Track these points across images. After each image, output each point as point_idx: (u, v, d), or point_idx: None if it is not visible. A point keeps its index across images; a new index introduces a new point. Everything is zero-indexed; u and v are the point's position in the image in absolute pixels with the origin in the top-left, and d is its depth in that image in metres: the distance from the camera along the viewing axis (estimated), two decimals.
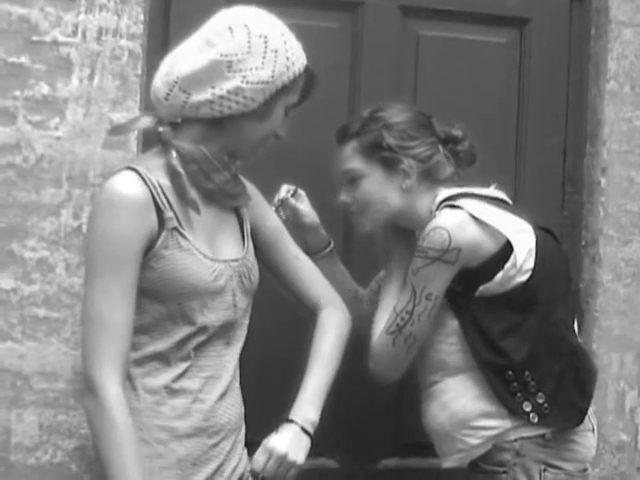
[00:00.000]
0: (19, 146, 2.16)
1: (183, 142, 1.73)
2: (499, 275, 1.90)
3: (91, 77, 2.19)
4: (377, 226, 2.09)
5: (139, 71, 2.20)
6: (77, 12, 2.19)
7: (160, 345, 1.69)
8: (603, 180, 2.49)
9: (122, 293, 1.62)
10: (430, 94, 2.45)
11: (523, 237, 1.94)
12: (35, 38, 2.17)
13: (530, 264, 1.92)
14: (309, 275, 1.95)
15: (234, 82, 1.69)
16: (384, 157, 2.02)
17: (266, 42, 1.71)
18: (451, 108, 2.41)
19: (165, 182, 1.71)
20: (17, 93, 2.17)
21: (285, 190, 2.13)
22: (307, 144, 2.30)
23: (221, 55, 1.70)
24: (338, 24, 2.43)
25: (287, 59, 1.73)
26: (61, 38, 2.19)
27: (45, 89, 2.18)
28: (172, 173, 1.71)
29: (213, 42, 1.71)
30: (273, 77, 1.71)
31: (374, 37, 2.43)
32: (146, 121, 1.76)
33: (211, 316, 1.72)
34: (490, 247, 1.91)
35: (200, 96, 1.70)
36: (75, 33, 2.19)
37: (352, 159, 2.05)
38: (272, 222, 1.95)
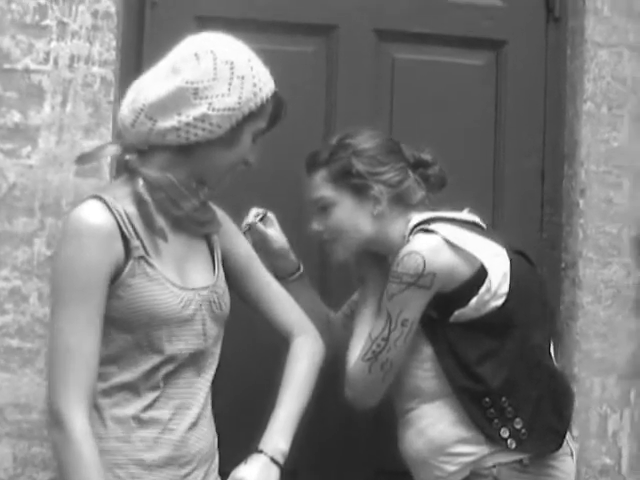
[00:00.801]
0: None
1: (150, 170, 1.71)
2: (474, 300, 1.89)
3: (63, 104, 2.18)
4: (350, 253, 2.08)
5: (111, 98, 2.19)
6: (49, 39, 2.19)
7: (128, 375, 1.67)
8: (582, 202, 2.47)
9: (88, 322, 1.60)
10: (407, 117, 2.44)
11: (497, 261, 1.93)
12: (6, 66, 2.17)
13: (505, 288, 1.91)
14: (282, 302, 1.93)
15: (200, 109, 1.68)
16: (354, 184, 2.02)
17: (232, 68, 1.70)
18: (428, 131, 2.42)
19: (132, 210, 1.69)
20: None
21: (254, 214, 2.12)
22: (282, 169, 2.30)
23: (187, 82, 1.69)
24: (312, 48, 2.43)
25: (254, 85, 1.72)
26: (33, 66, 2.18)
27: (17, 117, 2.17)
28: (139, 201, 1.69)
29: (179, 69, 1.70)
30: (240, 103, 1.70)
31: (349, 61, 2.43)
32: (112, 149, 1.75)
33: (180, 345, 1.70)
34: (465, 271, 1.90)
35: (166, 123, 1.69)
36: (47, 60, 2.18)
37: (322, 187, 2.05)
38: (244, 249, 1.93)
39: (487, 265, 1.90)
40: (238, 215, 2.09)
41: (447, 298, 1.91)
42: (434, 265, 1.88)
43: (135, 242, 1.66)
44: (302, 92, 2.38)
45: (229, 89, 1.69)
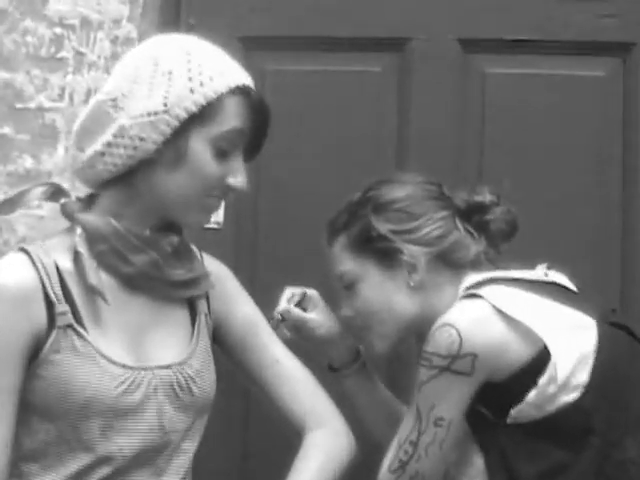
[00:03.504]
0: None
1: (91, 215, 1.36)
2: (532, 393, 1.36)
3: None
4: (391, 343, 1.56)
5: None
6: (64, 73, 1.92)
7: (51, 477, 1.30)
8: None
9: None
10: (501, 142, 1.96)
11: (575, 338, 1.38)
12: (19, 105, 1.92)
13: (583, 377, 1.37)
14: (293, 385, 1.49)
15: (118, 122, 1.31)
16: (378, 249, 1.53)
17: (156, 64, 1.33)
18: (527, 160, 1.93)
19: (68, 266, 1.35)
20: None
21: (287, 297, 1.65)
22: None
23: (104, 94, 1.34)
24: (380, 66, 2.01)
25: (189, 79, 1.32)
26: (46, 103, 1.91)
27: (28, 162, 1.91)
28: (74, 254, 1.34)
29: (105, 83, 1.36)
30: (166, 105, 1.31)
31: (426, 79, 1.99)
32: (37, 193, 1.41)
33: (120, 441, 1.32)
34: (522, 352, 1.37)
35: (91, 149, 1.34)
36: (62, 97, 1.91)
37: (342, 259, 1.57)
38: (242, 314, 1.52)
39: (550, 343, 1.36)
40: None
41: (500, 390, 1.39)
42: (475, 343, 1.37)
43: (61, 307, 1.30)
44: (367, 119, 1.98)
45: (150, 89, 1.31)
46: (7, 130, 1.92)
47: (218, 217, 1.96)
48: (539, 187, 1.92)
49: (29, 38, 1.94)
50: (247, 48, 1.97)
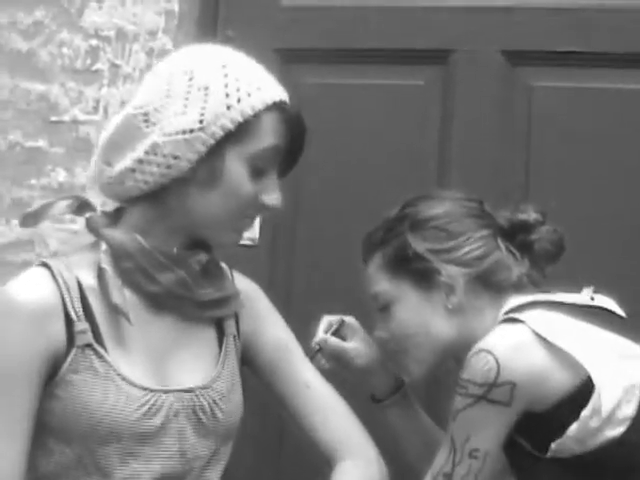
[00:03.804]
0: (31, 242, 1.86)
1: (117, 231, 1.31)
2: (573, 427, 1.26)
3: None
4: (428, 368, 1.48)
5: None
6: (99, 85, 1.89)
7: None
8: None
9: (8, 431, 1.21)
10: (548, 159, 1.88)
11: (621, 368, 1.29)
12: (54, 118, 1.89)
13: (629, 410, 1.27)
14: (323, 412, 1.41)
15: (151, 138, 1.26)
16: (415, 269, 1.44)
17: (191, 78, 1.27)
18: (577, 176, 1.84)
19: (92, 283, 1.30)
20: (33, 181, 1.88)
21: (324, 327, 1.56)
22: None
23: (135, 107, 1.28)
24: (423, 80, 1.94)
25: (227, 96, 1.26)
26: (81, 116, 1.88)
27: (62, 175, 1.88)
28: (98, 271, 1.29)
29: (136, 95, 1.30)
30: (202, 122, 1.25)
31: (470, 92, 1.91)
32: (62, 206, 1.36)
33: (139, 468, 1.26)
34: (564, 382, 1.28)
35: (120, 165, 1.29)
36: (96, 109, 1.88)
37: (377, 279, 1.48)
38: (273, 336, 1.46)
39: (596, 374, 1.27)
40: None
41: (540, 422, 1.30)
42: (514, 370, 1.28)
43: (81, 325, 1.25)
44: (409, 134, 1.91)
45: (185, 105, 1.25)
46: (41, 143, 1.89)
47: (253, 233, 1.91)
48: (588, 206, 1.83)
49: (65, 50, 1.91)
50: (284, 61, 1.92)
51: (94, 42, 1.90)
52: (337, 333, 1.56)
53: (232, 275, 1.46)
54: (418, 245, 1.43)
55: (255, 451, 1.85)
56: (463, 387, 1.31)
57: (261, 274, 1.85)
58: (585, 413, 1.25)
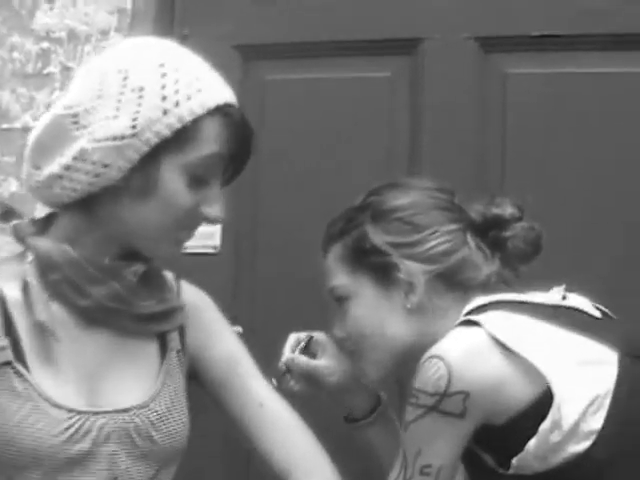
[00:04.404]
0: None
1: (44, 240, 1.22)
2: (532, 442, 1.14)
3: None
4: (385, 371, 1.35)
5: None
6: (51, 89, 1.80)
7: None
8: None
9: None
10: (526, 148, 1.77)
11: (588, 375, 1.16)
12: (5, 125, 1.81)
13: (596, 423, 1.14)
14: (278, 433, 1.31)
15: (79, 143, 1.17)
16: (373, 263, 1.32)
17: (126, 78, 1.16)
18: (556, 167, 1.73)
19: (17, 296, 1.20)
20: None
21: (291, 345, 1.44)
22: None
23: (65, 107, 1.18)
24: (389, 71, 1.84)
25: (163, 99, 1.14)
26: (32, 123, 1.80)
27: (14, 185, 1.80)
28: (23, 284, 1.20)
29: (67, 92, 1.21)
30: (135, 127, 1.15)
31: (440, 82, 1.80)
32: None
33: None
34: (523, 393, 1.15)
35: (48, 170, 1.19)
36: None
37: (335, 272, 1.35)
38: (222, 350, 1.34)
39: (558, 383, 1.15)
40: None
41: (500, 435, 1.18)
42: (466, 379, 1.15)
43: (0, 342, 1.16)
44: (378, 129, 1.82)
45: (117, 108, 1.15)
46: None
47: (215, 240, 1.81)
48: (567, 199, 1.72)
49: (15, 54, 1.83)
50: (245, 58, 1.84)
51: (45, 45, 1.82)
52: (306, 351, 1.44)
53: (178, 285, 1.36)
54: (377, 237, 1.31)
55: (223, 471, 1.76)
56: (414, 396, 1.19)
57: (225, 284, 1.77)
58: (544, 426, 1.12)
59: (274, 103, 1.83)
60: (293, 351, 1.43)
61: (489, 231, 1.32)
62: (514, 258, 1.33)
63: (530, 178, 1.73)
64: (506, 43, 1.79)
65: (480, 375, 1.16)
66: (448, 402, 1.16)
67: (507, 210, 1.33)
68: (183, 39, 1.87)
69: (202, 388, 1.35)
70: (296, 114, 1.84)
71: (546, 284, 1.30)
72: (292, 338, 1.44)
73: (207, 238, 1.78)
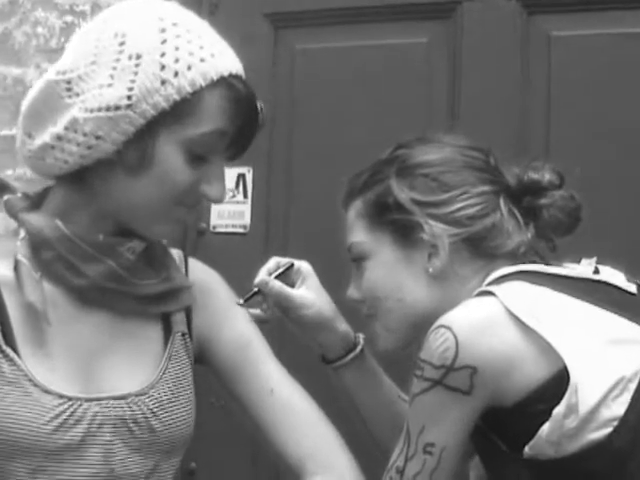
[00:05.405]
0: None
1: (36, 215, 1.16)
2: (545, 427, 1.04)
3: None
4: (398, 339, 1.25)
5: None
6: None
7: None
8: None
9: None
10: (570, 112, 1.65)
11: (614, 356, 1.06)
12: None
13: (618, 408, 1.03)
14: (290, 422, 1.23)
15: (71, 112, 1.10)
16: (395, 222, 1.22)
17: (122, 43, 1.08)
18: (602, 130, 1.61)
19: (9, 276, 1.15)
20: (9, 172, 1.77)
21: (268, 269, 1.32)
22: None
23: (58, 72, 1.11)
24: (426, 37, 1.74)
25: (162, 67, 1.06)
26: None
27: None
28: (14, 262, 1.15)
29: (62, 56, 1.14)
30: (131, 98, 1.07)
31: (480, 47, 1.70)
32: None
33: None
34: (537, 372, 1.05)
35: (40, 139, 1.13)
36: None
37: (355, 229, 1.26)
38: (232, 332, 1.26)
39: (575, 363, 1.05)
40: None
41: (511, 418, 1.08)
42: (475, 353, 1.06)
43: None
44: (414, 98, 1.72)
45: (112, 76, 1.07)
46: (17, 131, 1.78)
47: (245, 220, 1.74)
48: (614, 168, 1.60)
49: (39, 29, 1.79)
50: (276, 26, 1.77)
51: (69, 18, 1.78)
52: (284, 278, 1.33)
53: (186, 263, 1.29)
54: (401, 193, 1.19)
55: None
56: (419, 368, 1.09)
57: (254, 262, 1.70)
58: (558, 410, 1.01)
59: (306, 72, 1.75)
60: (270, 274, 1.33)
61: (524, 197, 1.21)
62: (549, 229, 1.21)
63: (575, 141, 1.62)
64: (550, 4, 1.68)
65: (489, 350, 1.05)
66: (454, 376, 1.06)
67: (545, 176, 1.20)
68: (214, 7, 1.81)
69: (211, 373, 1.29)
70: (328, 84, 1.76)
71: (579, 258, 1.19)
72: (272, 261, 1.33)
73: (237, 217, 1.72)
